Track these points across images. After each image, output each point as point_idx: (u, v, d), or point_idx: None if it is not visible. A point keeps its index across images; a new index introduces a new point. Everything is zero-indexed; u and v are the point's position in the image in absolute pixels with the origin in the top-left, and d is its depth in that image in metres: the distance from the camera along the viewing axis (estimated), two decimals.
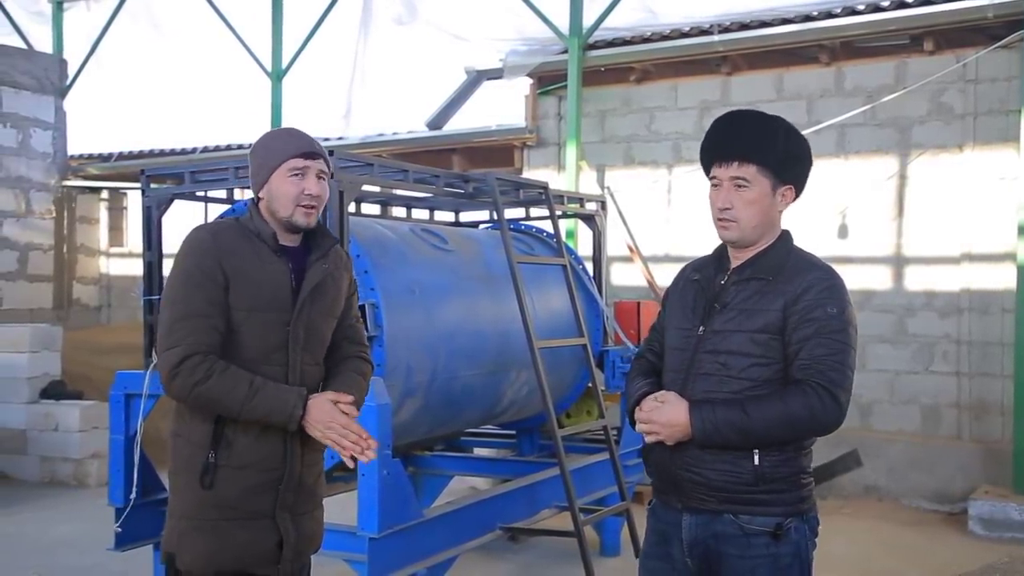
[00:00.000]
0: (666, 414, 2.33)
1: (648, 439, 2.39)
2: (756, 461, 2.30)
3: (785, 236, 2.48)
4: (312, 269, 2.56)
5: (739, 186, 2.38)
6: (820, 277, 2.36)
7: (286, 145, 2.55)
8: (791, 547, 2.33)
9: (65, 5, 12.25)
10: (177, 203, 4.78)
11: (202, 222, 2.76)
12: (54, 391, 8.06)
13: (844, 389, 2.29)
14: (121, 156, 11.86)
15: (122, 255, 12.49)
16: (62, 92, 11.80)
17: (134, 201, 12.20)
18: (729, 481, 2.32)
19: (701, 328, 2.41)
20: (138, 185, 4.92)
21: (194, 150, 11.09)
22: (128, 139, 12.07)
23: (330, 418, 2.44)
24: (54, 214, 11.76)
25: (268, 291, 2.49)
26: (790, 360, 2.32)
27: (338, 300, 2.65)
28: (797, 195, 2.47)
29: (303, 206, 2.52)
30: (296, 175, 2.51)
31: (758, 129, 2.41)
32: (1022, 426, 6.48)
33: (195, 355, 2.39)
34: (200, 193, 4.79)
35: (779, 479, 2.32)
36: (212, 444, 2.45)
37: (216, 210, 4.82)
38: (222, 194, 4.86)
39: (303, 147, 2.54)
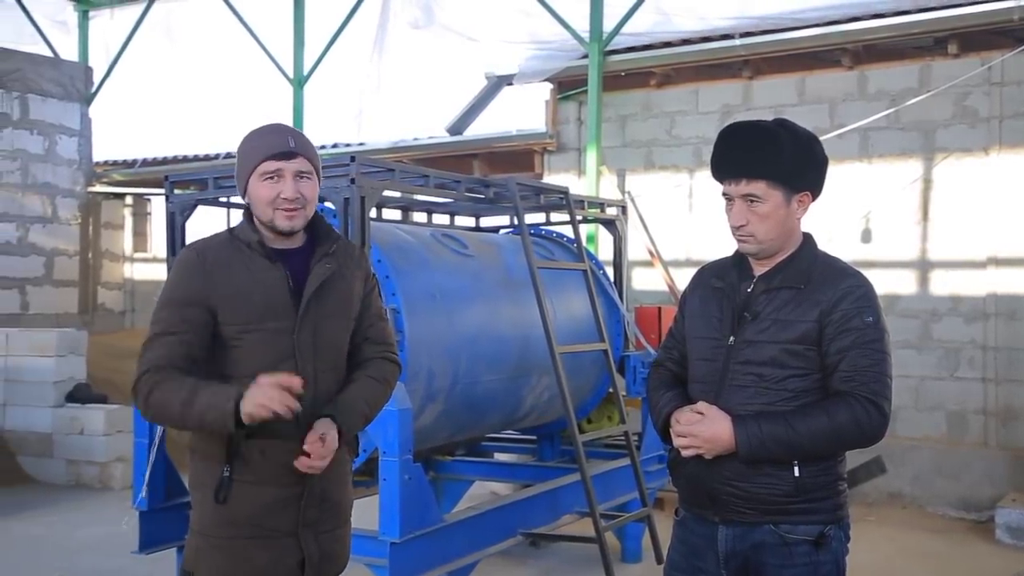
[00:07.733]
0: (709, 429, 2.27)
1: (686, 453, 2.31)
2: (796, 472, 2.26)
3: (808, 241, 2.44)
4: (315, 270, 2.42)
5: (751, 202, 2.34)
6: (853, 285, 2.32)
7: (259, 147, 2.40)
8: (831, 555, 2.31)
9: (90, 14, 12.40)
10: (201, 208, 4.82)
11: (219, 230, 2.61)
12: (80, 395, 8.13)
13: (887, 399, 2.27)
14: (145, 162, 11.97)
15: (146, 260, 12.61)
16: (88, 99, 11.93)
17: (158, 207, 12.31)
18: (770, 493, 2.28)
19: (731, 338, 2.36)
20: (162, 191, 4.97)
21: (217, 156, 11.16)
22: (152, 145, 12.19)
23: (260, 394, 2.18)
24: (79, 220, 11.88)
25: (262, 301, 2.36)
26: (828, 371, 2.28)
27: (349, 300, 2.50)
28: (815, 198, 2.41)
29: (282, 210, 2.38)
30: (270, 178, 2.37)
31: (762, 143, 2.34)
32: None
33: (149, 371, 2.29)
34: (223, 199, 4.83)
35: (818, 488, 2.29)
36: (227, 458, 2.33)
37: (239, 216, 4.84)
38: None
39: (275, 147, 2.37)
